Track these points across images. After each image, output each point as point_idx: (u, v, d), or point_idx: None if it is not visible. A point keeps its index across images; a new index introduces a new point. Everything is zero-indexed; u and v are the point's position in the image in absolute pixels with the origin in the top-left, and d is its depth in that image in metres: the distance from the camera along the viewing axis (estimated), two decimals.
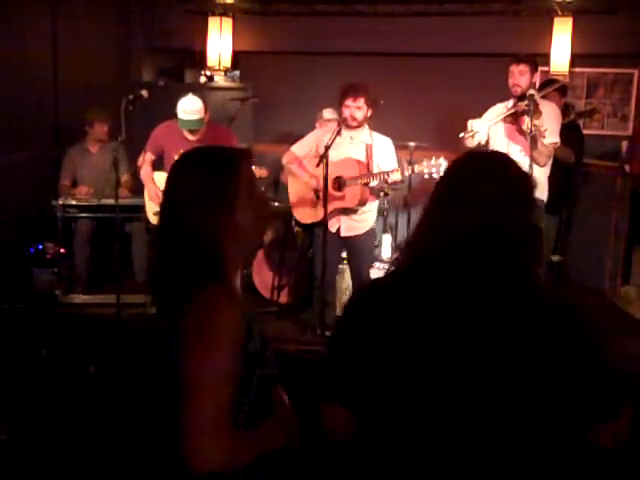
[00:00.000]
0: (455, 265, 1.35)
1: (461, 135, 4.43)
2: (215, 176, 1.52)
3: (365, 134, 4.46)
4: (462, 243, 1.35)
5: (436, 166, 4.25)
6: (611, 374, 1.36)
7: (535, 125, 4.12)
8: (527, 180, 1.45)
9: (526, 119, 4.20)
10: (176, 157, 4.83)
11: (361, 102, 4.29)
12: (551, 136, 4.28)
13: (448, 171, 1.49)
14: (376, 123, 4.61)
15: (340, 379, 1.47)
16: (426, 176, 4.31)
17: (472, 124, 4.43)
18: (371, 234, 4.72)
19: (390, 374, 1.39)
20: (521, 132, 4.35)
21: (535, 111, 4.19)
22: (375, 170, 4.41)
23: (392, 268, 1.50)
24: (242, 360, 1.43)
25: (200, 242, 1.48)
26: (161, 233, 1.58)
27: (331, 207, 4.36)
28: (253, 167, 4.60)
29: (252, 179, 1.59)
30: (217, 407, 1.37)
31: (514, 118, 4.42)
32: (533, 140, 4.13)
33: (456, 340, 1.34)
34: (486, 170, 1.42)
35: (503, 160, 1.49)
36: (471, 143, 4.49)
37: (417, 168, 4.27)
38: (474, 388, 1.33)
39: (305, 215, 4.66)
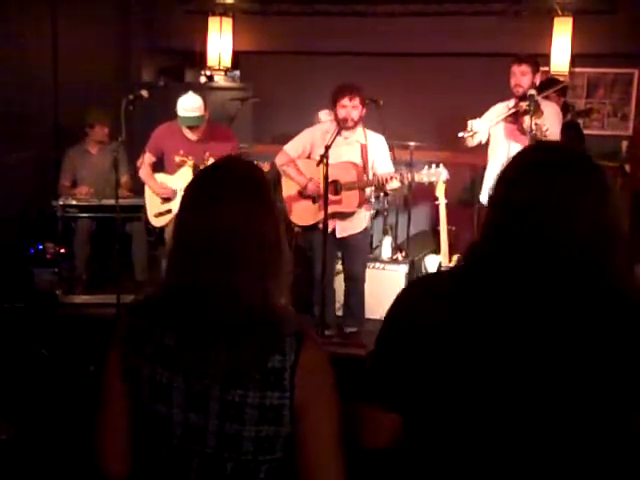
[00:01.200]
0: (529, 265, 1.26)
1: (460, 134, 4.44)
2: (264, 195, 1.42)
3: (359, 133, 4.47)
4: (532, 256, 1.25)
5: (436, 175, 4.26)
6: None
7: (537, 124, 4.14)
8: (606, 175, 1.33)
9: (527, 119, 4.21)
10: (177, 158, 4.84)
11: (357, 101, 4.30)
12: (552, 136, 4.28)
13: (516, 165, 1.38)
14: (376, 123, 4.62)
15: (392, 381, 1.36)
16: (426, 184, 4.32)
17: (472, 124, 4.43)
18: (366, 233, 4.72)
19: (453, 377, 1.30)
20: (522, 132, 4.35)
21: (536, 111, 4.19)
22: (370, 169, 4.41)
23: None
24: None
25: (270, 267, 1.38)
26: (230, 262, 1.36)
27: (329, 211, 4.36)
28: (255, 162, 4.61)
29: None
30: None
31: (515, 118, 4.43)
32: (534, 140, 4.13)
33: (527, 345, 1.25)
34: (579, 171, 1.30)
35: (591, 160, 1.36)
36: (471, 143, 4.50)
37: (417, 177, 4.27)
38: (542, 395, 1.26)
39: (301, 218, 4.64)
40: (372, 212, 5.15)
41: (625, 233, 1.30)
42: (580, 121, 6.25)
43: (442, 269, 5.07)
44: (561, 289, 1.25)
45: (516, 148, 4.41)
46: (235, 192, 1.38)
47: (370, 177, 4.42)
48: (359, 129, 4.47)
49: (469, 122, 4.47)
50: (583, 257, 1.24)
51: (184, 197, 1.43)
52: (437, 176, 4.25)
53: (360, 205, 4.44)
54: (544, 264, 1.25)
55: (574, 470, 1.29)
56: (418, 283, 1.50)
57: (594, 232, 1.25)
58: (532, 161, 1.37)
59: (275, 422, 1.33)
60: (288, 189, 4.67)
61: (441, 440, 1.34)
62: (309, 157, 4.49)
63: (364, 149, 4.44)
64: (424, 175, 4.26)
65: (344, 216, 4.52)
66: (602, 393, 1.24)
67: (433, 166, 4.29)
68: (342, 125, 4.31)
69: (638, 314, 1.27)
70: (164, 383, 1.37)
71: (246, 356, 1.31)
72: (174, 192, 4.43)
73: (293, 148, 4.56)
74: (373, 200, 5.16)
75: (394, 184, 4.30)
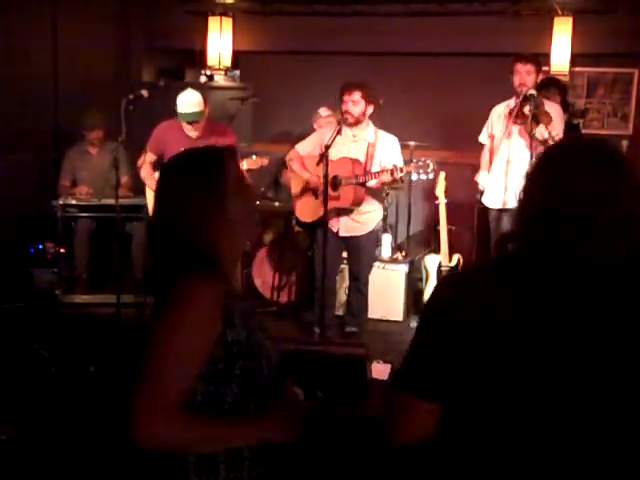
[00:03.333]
0: (576, 262, 1.27)
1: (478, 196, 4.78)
2: (203, 175, 1.57)
3: (369, 132, 4.45)
4: (580, 245, 1.26)
5: (423, 167, 4.26)
6: None
7: (549, 132, 4.15)
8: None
9: (540, 128, 4.21)
10: None
11: (356, 96, 4.29)
12: (559, 138, 4.29)
13: (567, 161, 1.36)
14: (376, 122, 4.61)
15: (436, 371, 1.34)
16: (414, 177, 4.33)
17: (480, 180, 4.79)
18: (372, 236, 4.66)
19: (501, 368, 1.29)
20: (527, 132, 4.35)
21: (544, 116, 4.21)
22: (377, 169, 4.40)
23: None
24: (220, 349, 1.45)
25: (191, 238, 1.53)
26: (154, 233, 1.64)
27: (328, 207, 4.36)
28: (254, 156, 4.59)
29: (239, 175, 1.65)
30: (170, 386, 1.40)
31: (523, 120, 4.42)
32: (544, 145, 4.15)
33: (569, 337, 1.26)
34: (615, 167, 1.32)
35: (622, 155, 1.38)
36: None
37: (405, 168, 4.27)
38: (586, 388, 1.26)
39: (305, 214, 4.67)
40: (385, 214, 5.14)
41: None
42: (580, 121, 6.24)
43: (443, 268, 5.07)
44: (609, 280, 1.26)
45: (517, 147, 4.43)
46: (171, 174, 1.63)
47: None
48: (370, 128, 4.45)
49: (477, 180, 4.80)
50: (629, 244, 1.26)
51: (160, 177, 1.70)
52: (424, 168, 4.25)
53: (356, 202, 4.42)
54: (592, 253, 1.26)
55: (618, 464, 1.28)
56: (459, 274, 1.51)
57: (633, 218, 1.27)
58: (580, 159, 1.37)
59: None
60: (295, 187, 4.70)
61: (484, 430, 1.32)
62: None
63: (370, 147, 4.43)
64: (412, 167, 4.27)
65: (348, 214, 4.50)
66: None
67: (423, 158, 4.31)
68: (343, 121, 4.32)
69: None
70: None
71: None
72: None
73: (303, 147, 4.60)
74: (387, 194, 5.17)
75: (385, 177, 4.29)
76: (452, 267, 5.06)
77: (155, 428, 1.40)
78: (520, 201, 1.38)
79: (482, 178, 4.72)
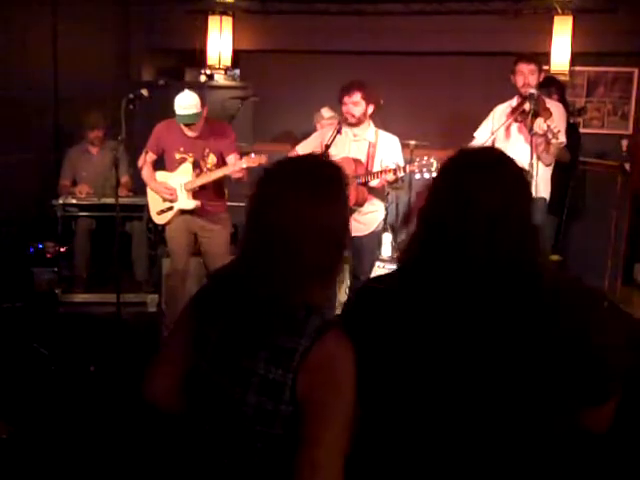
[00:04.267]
0: (459, 263, 1.34)
1: None
2: (337, 187, 1.44)
3: (370, 132, 4.44)
4: (465, 241, 1.34)
5: (427, 165, 4.26)
6: (604, 357, 1.35)
7: (548, 126, 4.14)
8: (524, 175, 1.44)
9: (539, 121, 4.20)
10: (177, 155, 4.84)
11: (357, 97, 4.28)
12: (561, 136, 4.29)
13: (445, 169, 1.47)
14: (376, 122, 4.61)
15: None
16: (417, 176, 4.32)
17: (477, 136, 4.61)
18: (374, 236, 4.63)
19: (397, 375, 1.38)
20: (529, 130, 4.35)
21: (544, 111, 4.20)
22: (377, 169, 4.39)
23: (392, 268, 1.50)
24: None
25: (315, 257, 1.39)
26: (264, 253, 1.41)
27: None
28: (253, 155, 4.57)
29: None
30: (339, 451, 1.33)
31: (523, 117, 4.42)
32: (546, 140, 4.15)
33: (462, 337, 1.33)
34: (485, 168, 1.40)
35: (499, 157, 1.48)
36: None
37: (408, 168, 4.27)
38: (482, 384, 1.32)
39: None
40: (385, 214, 5.14)
41: (534, 225, 1.39)
42: (579, 120, 6.24)
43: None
44: (487, 283, 1.32)
45: (517, 146, 4.42)
46: (297, 188, 1.40)
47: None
48: (371, 128, 4.44)
49: (475, 135, 4.63)
50: (505, 248, 1.33)
51: (255, 189, 1.46)
52: (428, 167, 4.25)
53: (358, 202, 4.41)
54: (469, 259, 1.33)
55: (515, 459, 1.34)
56: (364, 289, 1.55)
57: (508, 227, 1.33)
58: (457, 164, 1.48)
59: (275, 398, 1.35)
60: None
61: (393, 432, 1.40)
62: None
63: (371, 147, 4.42)
64: (415, 167, 4.27)
65: (351, 215, 4.47)
66: (538, 382, 1.31)
67: (425, 157, 4.30)
68: (344, 122, 4.31)
69: (565, 296, 1.36)
70: (210, 340, 1.47)
71: (259, 328, 1.38)
72: (176, 190, 4.45)
73: (303, 148, 4.59)
74: (387, 193, 5.18)
75: (388, 176, 4.29)
76: None
77: None
78: (420, 209, 1.46)
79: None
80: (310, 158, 1.58)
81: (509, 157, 1.47)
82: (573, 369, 1.31)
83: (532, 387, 1.31)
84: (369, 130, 4.43)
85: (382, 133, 4.47)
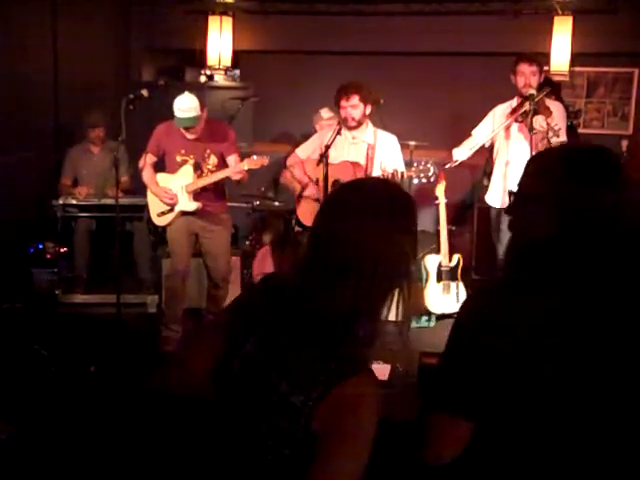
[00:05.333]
0: (575, 262, 1.31)
1: (447, 166, 4.55)
2: (406, 216, 1.41)
3: (368, 133, 4.43)
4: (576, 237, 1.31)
5: (424, 171, 4.26)
6: None
7: (548, 124, 4.14)
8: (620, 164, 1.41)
9: (538, 119, 4.20)
10: (178, 158, 4.84)
11: (355, 100, 4.26)
12: (562, 134, 4.30)
13: (548, 172, 1.41)
14: (376, 122, 4.61)
15: (472, 390, 1.35)
16: (415, 181, 4.33)
17: (455, 153, 4.57)
18: None
19: (525, 385, 1.31)
20: (529, 130, 4.35)
21: (544, 110, 4.20)
22: (377, 170, 4.39)
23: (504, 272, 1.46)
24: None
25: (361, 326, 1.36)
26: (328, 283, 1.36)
27: None
28: (255, 157, 4.58)
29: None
30: None
31: (523, 117, 4.41)
32: (544, 138, 4.15)
33: (592, 344, 1.28)
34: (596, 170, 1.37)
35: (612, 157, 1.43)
36: (465, 155, 4.53)
37: (405, 173, 4.27)
38: (610, 393, 1.28)
39: (307, 218, 4.65)
40: None
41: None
42: (579, 121, 6.24)
43: (443, 268, 5.07)
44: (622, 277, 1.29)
45: (518, 147, 4.42)
46: (364, 211, 1.38)
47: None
48: (369, 129, 4.43)
49: (453, 152, 4.59)
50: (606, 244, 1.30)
51: (322, 206, 1.47)
52: (425, 172, 4.25)
53: None
54: (600, 253, 1.30)
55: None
56: (488, 290, 1.47)
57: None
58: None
59: (292, 420, 1.33)
60: (297, 189, 4.70)
61: (519, 444, 1.33)
62: None
63: (370, 149, 4.41)
64: (413, 172, 4.28)
65: None
66: None
67: (422, 162, 4.31)
68: (344, 125, 4.30)
69: None
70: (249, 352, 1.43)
71: (300, 347, 1.35)
72: (176, 195, 4.44)
73: (303, 150, 4.59)
74: None
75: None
76: (452, 267, 5.06)
77: None
78: (523, 214, 1.41)
79: (458, 152, 4.59)
80: (384, 184, 1.54)
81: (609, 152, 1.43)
82: None
83: None
84: (367, 131, 4.42)
85: (381, 133, 4.46)
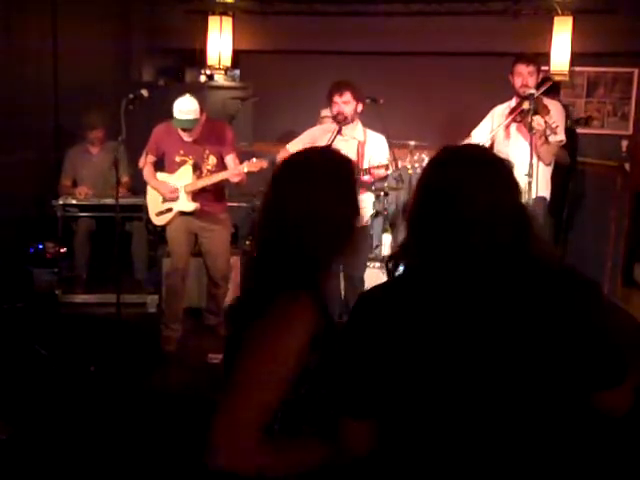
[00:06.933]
0: (462, 260, 1.35)
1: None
2: (334, 174, 1.54)
3: (358, 131, 4.47)
4: (464, 237, 1.34)
5: (418, 161, 4.32)
6: (615, 342, 1.36)
7: (546, 122, 4.15)
8: (506, 163, 1.45)
9: (537, 118, 4.21)
10: (177, 158, 4.83)
11: (347, 97, 4.33)
12: (560, 132, 4.30)
13: (431, 168, 1.47)
14: (376, 122, 4.62)
15: (361, 392, 1.43)
16: (410, 171, 4.38)
17: (474, 135, 4.58)
18: (366, 230, 4.71)
19: (412, 379, 1.38)
20: (529, 130, 4.35)
21: (542, 108, 4.21)
22: (366, 167, 4.44)
23: (390, 270, 1.49)
24: (299, 374, 1.42)
25: (307, 243, 1.48)
26: (264, 237, 1.55)
27: None
28: (254, 159, 4.58)
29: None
30: (254, 409, 1.37)
31: (522, 116, 4.42)
32: (543, 136, 4.16)
33: (475, 333, 1.33)
34: (468, 163, 1.42)
35: (479, 150, 1.52)
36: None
37: (400, 163, 4.33)
38: (495, 378, 1.33)
39: None
40: (373, 212, 5.15)
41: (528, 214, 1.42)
42: (578, 128, 6.23)
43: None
44: (489, 270, 1.34)
45: (518, 146, 4.43)
46: (302, 178, 1.52)
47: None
48: (358, 127, 4.47)
49: (472, 134, 4.59)
50: (507, 235, 1.35)
51: (272, 180, 1.58)
52: (420, 162, 4.32)
53: None
54: (476, 249, 1.34)
55: (531, 448, 1.35)
56: (369, 296, 1.53)
57: (507, 213, 1.36)
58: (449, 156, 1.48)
59: None
60: None
61: (415, 435, 1.40)
62: None
63: (360, 146, 4.46)
64: (407, 162, 4.34)
65: None
66: (551, 367, 1.32)
67: (417, 154, 4.36)
68: (335, 120, 4.35)
69: (564, 282, 1.37)
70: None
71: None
72: (177, 189, 4.46)
73: (294, 146, 4.60)
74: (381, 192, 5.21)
75: (381, 171, 4.34)
76: None
77: (235, 458, 1.36)
78: (410, 211, 1.47)
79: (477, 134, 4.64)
80: (321, 153, 1.66)
81: (491, 152, 1.52)
82: (580, 351, 1.32)
83: (543, 372, 1.32)
84: (357, 129, 4.47)
85: (370, 132, 4.51)
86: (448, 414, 1.36)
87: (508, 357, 1.32)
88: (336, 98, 4.33)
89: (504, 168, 1.43)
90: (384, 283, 1.52)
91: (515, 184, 1.41)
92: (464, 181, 1.36)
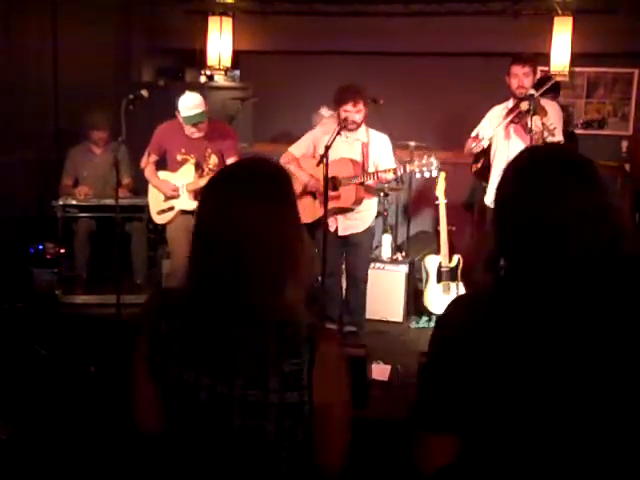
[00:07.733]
0: (556, 269, 1.28)
1: (473, 145, 4.57)
2: (274, 185, 1.44)
3: (361, 132, 4.47)
4: (555, 244, 1.29)
5: (427, 165, 4.30)
6: None
7: (543, 124, 4.15)
8: (592, 163, 1.42)
9: (534, 119, 4.21)
10: (179, 157, 4.86)
11: (361, 105, 4.33)
12: (558, 134, 4.30)
13: (516, 170, 1.45)
14: (376, 122, 4.62)
15: (450, 406, 1.35)
16: (417, 175, 4.37)
17: (479, 132, 4.58)
18: (369, 233, 4.71)
19: (507, 395, 1.30)
20: (527, 131, 4.35)
21: (540, 110, 4.21)
22: (371, 168, 4.43)
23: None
24: None
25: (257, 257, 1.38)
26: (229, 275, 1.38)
27: (329, 206, 4.37)
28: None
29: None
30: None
31: (517, 118, 4.42)
32: (540, 138, 4.16)
33: (571, 350, 1.26)
34: (555, 164, 1.41)
35: (566, 151, 1.48)
36: (477, 149, 4.57)
37: (408, 167, 4.32)
38: (598, 394, 1.26)
39: (305, 215, 4.66)
40: (385, 214, 5.17)
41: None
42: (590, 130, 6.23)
43: (443, 269, 5.07)
44: (586, 276, 1.27)
45: (516, 147, 4.42)
46: (251, 192, 1.39)
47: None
48: (362, 128, 4.48)
49: (478, 131, 4.59)
50: (601, 237, 1.28)
51: (204, 194, 1.45)
52: (428, 166, 4.29)
53: (357, 201, 4.45)
54: (568, 263, 1.27)
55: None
56: (461, 302, 1.46)
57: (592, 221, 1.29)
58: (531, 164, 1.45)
59: (296, 417, 1.39)
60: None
61: (501, 451, 1.34)
62: (314, 156, 4.52)
63: (365, 147, 4.46)
64: (416, 166, 4.31)
65: (346, 214, 4.52)
66: None
67: (425, 157, 4.34)
68: (344, 126, 4.32)
69: None
70: (191, 383, 1.43)
71: (264, 363, 1.37)
72: (178, 187, 4.47)
73: (297, 148, 4.61)
74: (381, 192, 5.21)
75: (388, 175, 4.34)
76: (452, 267, 5.07)
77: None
78: (499, 214, 1.40)
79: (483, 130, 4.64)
80: (262, 162, 1.54)
81: (576, 152, 1.46)
82: None
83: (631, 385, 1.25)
84: (360, 130, 4.47)
85: (373, 132, 4.52)
86: (545, 429, 1.29)
87: (611, 371, 1.25)
88: (349, 107, 4.32)
89: (590, 168, 1.40)
90: (475, 292, 1.46)
91: (603, 183, 1.37)
92: (550, 186, 1.34)
